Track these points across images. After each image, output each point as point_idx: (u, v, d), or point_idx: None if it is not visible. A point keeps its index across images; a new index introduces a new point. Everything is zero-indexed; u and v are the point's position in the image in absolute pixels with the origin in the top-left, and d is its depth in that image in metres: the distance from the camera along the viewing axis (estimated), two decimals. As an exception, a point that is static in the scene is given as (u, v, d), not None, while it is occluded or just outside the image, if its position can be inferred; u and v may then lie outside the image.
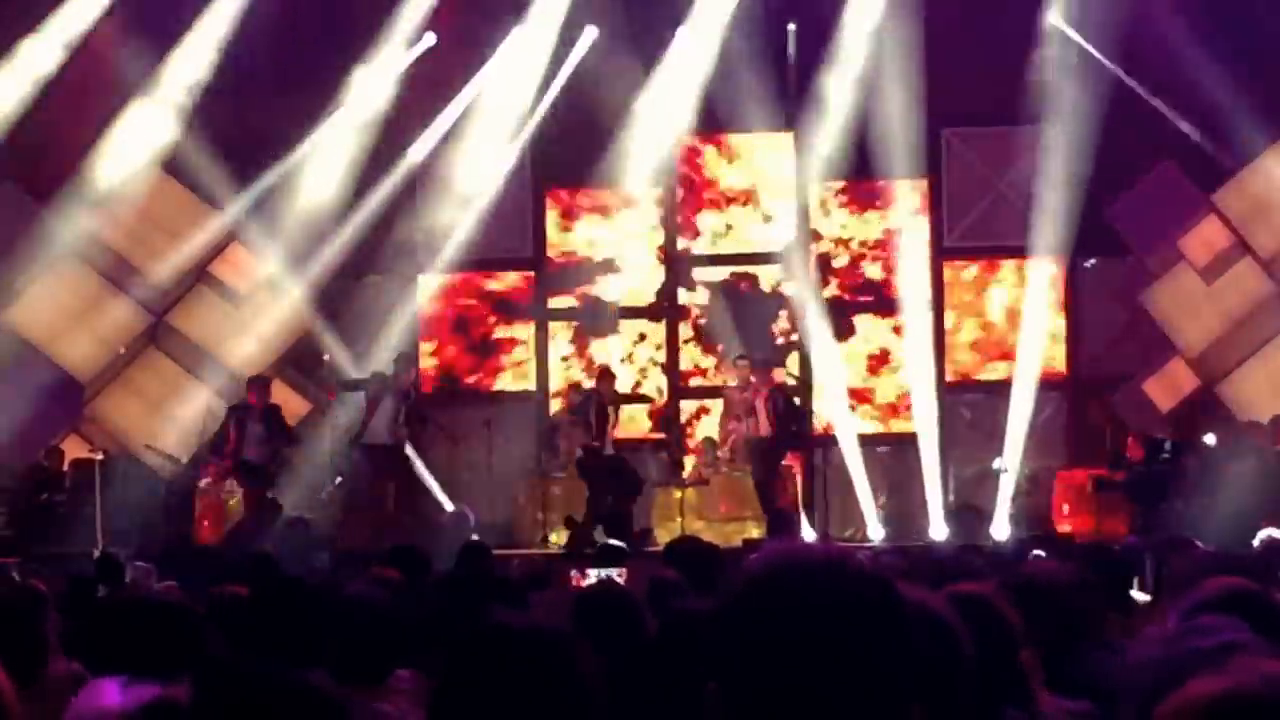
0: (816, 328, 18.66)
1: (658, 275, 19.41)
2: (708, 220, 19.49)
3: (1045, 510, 17.21)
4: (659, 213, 19.37)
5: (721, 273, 19.40)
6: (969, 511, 17.30)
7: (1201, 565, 5.88)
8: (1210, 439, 17.18)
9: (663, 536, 15.58)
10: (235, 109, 17.64)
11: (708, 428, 18.55)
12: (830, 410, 18.60)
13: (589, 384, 17.82)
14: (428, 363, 19.16)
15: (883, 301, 19.07)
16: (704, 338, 19.32)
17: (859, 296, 19.27)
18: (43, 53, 17.58)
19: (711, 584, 6.78)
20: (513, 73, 18.69)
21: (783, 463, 17.41)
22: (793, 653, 1.99)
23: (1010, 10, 18.14)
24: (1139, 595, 8.46)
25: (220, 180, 18.01)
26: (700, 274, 19.45)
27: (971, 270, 19.25)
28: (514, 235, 19.26)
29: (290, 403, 17.81)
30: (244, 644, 4.96)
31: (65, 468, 17.15)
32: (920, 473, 18.02)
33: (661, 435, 18.75)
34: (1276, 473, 15.71)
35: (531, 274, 19.49)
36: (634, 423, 18.68)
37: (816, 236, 19.28)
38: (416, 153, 18.79)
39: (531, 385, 19.27)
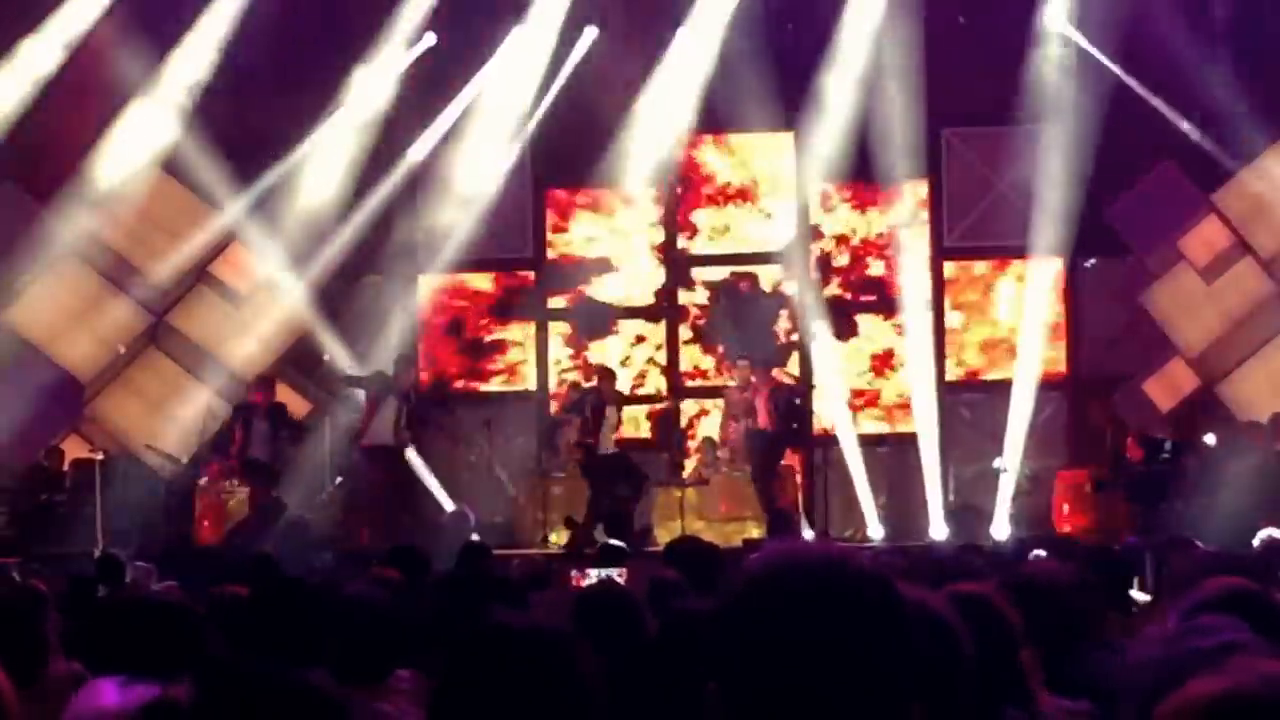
0: (818, 327, 18.68)
1: (657, 275, 19.41)
2: (707, 220, 19.49)
3: (1045, 510, 17.21)
4: (659, 212, 19.37)
5: (722, 272, 19.39)
6: (969, 511, 17.31)
7: (1201, 565, 5.88)
8: (1210, 439, 17.18)
9: (663, 536, 15.58)
10: (235, 109, 17.64)
11: (708, 428, 18.55)
12: (831, 410, 18.59)
13: (588, 384, 17.80)
14: (426, 364, 19.15)
15: (885, 301, 19.06)
16: (703, 338, 19.32)
17: (861, 296, 19.27)
18: (43, 53, 17.58)
19: (711, 584, 6.78)
20: (513, 73, 18.69)
21: (782, 463, 17.42)
22: (793, 652, 2.00)
23: (1010, 10, 18.14)
24: (1139, 595, 8.47)
25: (220, 180, 18.00)
26: (700, 274, 19.45)
27: (980, 269, 19.22)
28: (514, 235, 19.27)
29: (291, 403, 17.82)
30: (244, 644, 4.96)
31: (65, 468, 17.15)
32: (920, 473, 18.02)
33: (652, 437, 18.71)
34: (1276, 473, 15.71)
35: (531, 274, 19.48)
36: (633, 423, 18.67)
37: (818, 235, 19.28)
38: (416, 153, 18.79)
39: (531, 385, 19.26)
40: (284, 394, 17.68)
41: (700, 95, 18.41)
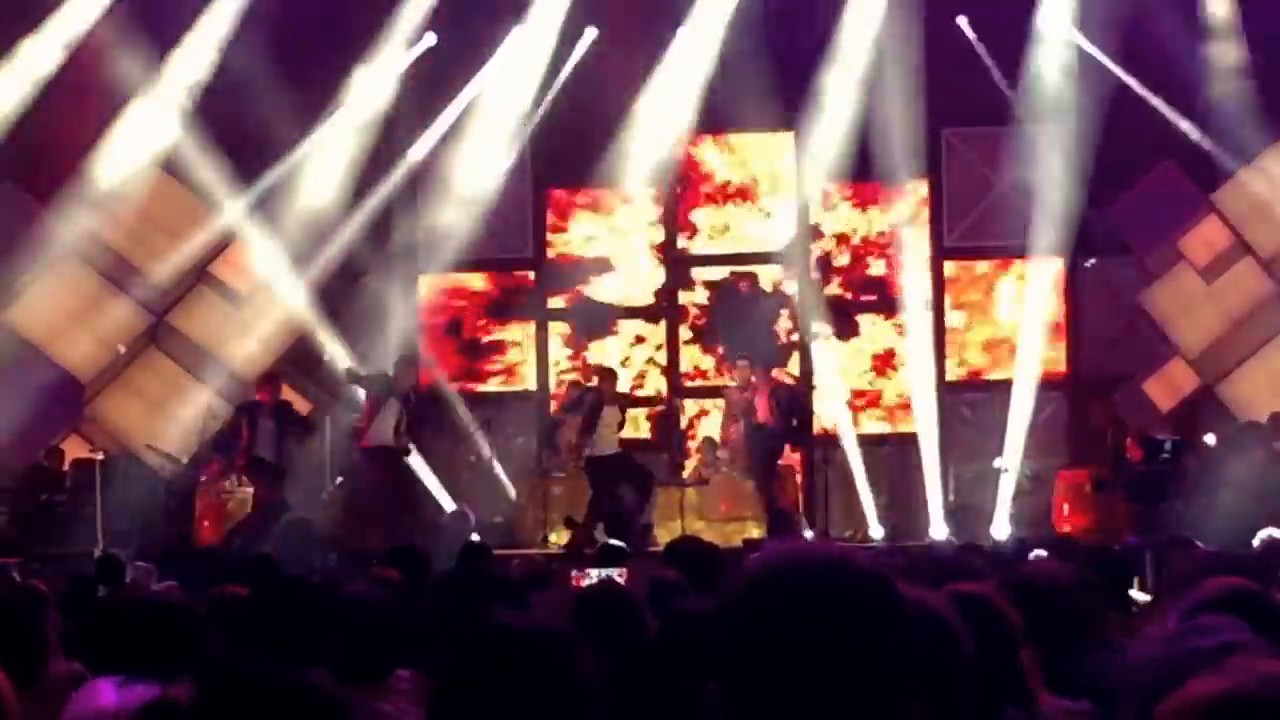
0: (818, 327, 18.68)
1: (657, 275, 19.41)
2: (707, 219, 19.49)
3: (1045, 510, 17.21)
4: (658, 212, 19.37)
5: (721, 272, 19.39)
6: (969, 511, 17.31)
7: (1201, 565, 5.88)
8: (1210, 439, 17.18)
9: (663, 536, 15.57)
10: (235, 109, 17.63)
11: (708, 428, 18.55)
12: (832, 410, 18.60)
13: (589, 384, 17.78)
14: (425, 364, 19.15)
15: (886, 301, 19.07)
16: (703, 338, 19.32)
17: (861, 295, 19.27)
18: (43, 53, 17.58)
19: (712, 584, 6.78)
20: (513, 73, 18.69)
21: (782, 463, 17.42)
22: (793, 652, 2.00)
23: (1010, 10, 18.13)
24: (1139, 595, 8.47)
25: (220, 180, 18.01)
26: (700, 273, 19.45)
27: (981, 268, 19.22)
28: (514, 235, 19.27)
29: (291, 403, 17.80)
30: (244, 644, 4.96)
31: (66, 468, 17.15)
32: (920, 473, 18.02)
33: (652, 437, 18.70)
34: (1276, 472, 15.71)
35: (531, 274, 19.49)
36: (633, 423, 18.65)
37: (818, 234, 19.28)
38: (416, 153, 18.80)
39: (531, 385, 19.26)
40: (284, 394, 17.66)
41: (700, 95, 18.41)
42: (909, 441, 18.46)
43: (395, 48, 18.46)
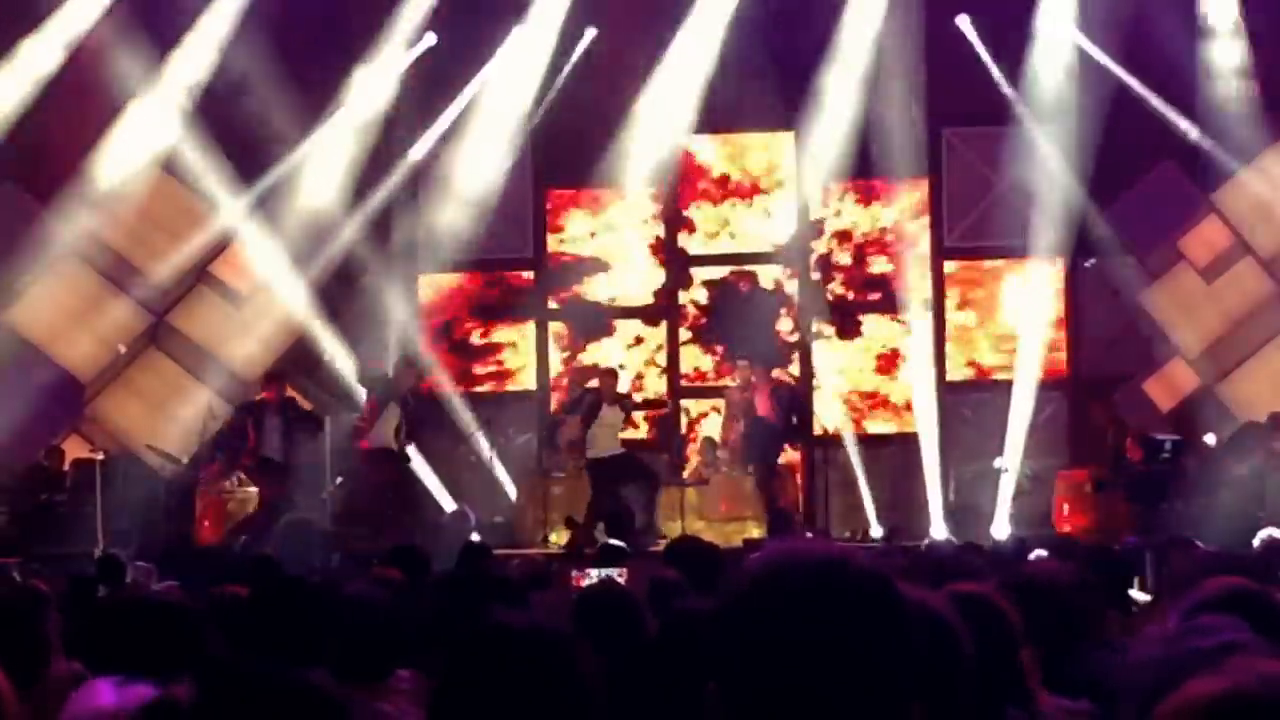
0: (819, 326, 18.68)
1: (656, 275, 19.41)
2: (707, 219, 19.48)
3: (1045, 510, 17.20)
4: (658, 212, 19.36)
5: (722, 272, 19.38)
6: (969, 511, 17.31)
7: (1201, 565, 5.89)
8: (1210, 439, 17.18)
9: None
10: (235, 109, 17.63)
11: (708, 428, 18.56)
12: (832, 410, 18.60)
13: (590, 384, 17.78)
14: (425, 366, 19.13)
15: (888, 300, 19.07)
16: (703, 338, 19.31)
17: (863, 295, 19.26)
18: (43, 53, 17.59)
19: (712, 584, 6.77)
20: (513, 73, 18.69)
21: (782, 463, 17.42)
22: (793, 651, 2.00)
23: (1010, 10, 18.14)
24: (1139, 595, 8.48)
25: (220, 180, 18.01)
26: (700, 273, 19.44)
27: (988, 267, 19.21)
28: (514, 235, 19.27)
29: (296, 399, 17.78)
30: (244, 644, 4.96)
31: (66, 468, 17.14)
32: (920, 473, 18.02)
33: (653, 438, 18.69)
34: (1276, 472, 15.71)
35: (531, 274, 19.48)
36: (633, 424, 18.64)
37: (818, 233, 19.26)
38: (416, 153, 18.80)
39: (531, 385, 19.25)
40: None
41: (700, 95, 18.41)
42: (909, 441, 18.47)
43: (395, 48, 18.46)
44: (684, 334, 19.33)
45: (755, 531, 16.06)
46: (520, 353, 19.42)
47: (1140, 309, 18.44)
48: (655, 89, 18.48)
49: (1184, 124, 17.95)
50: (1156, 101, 17.84)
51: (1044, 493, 17.37)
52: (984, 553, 9.84)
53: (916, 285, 18.86)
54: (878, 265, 19.24)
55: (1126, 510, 16.36)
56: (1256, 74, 17.65)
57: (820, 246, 19.23)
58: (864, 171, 18.48)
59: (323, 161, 18.28)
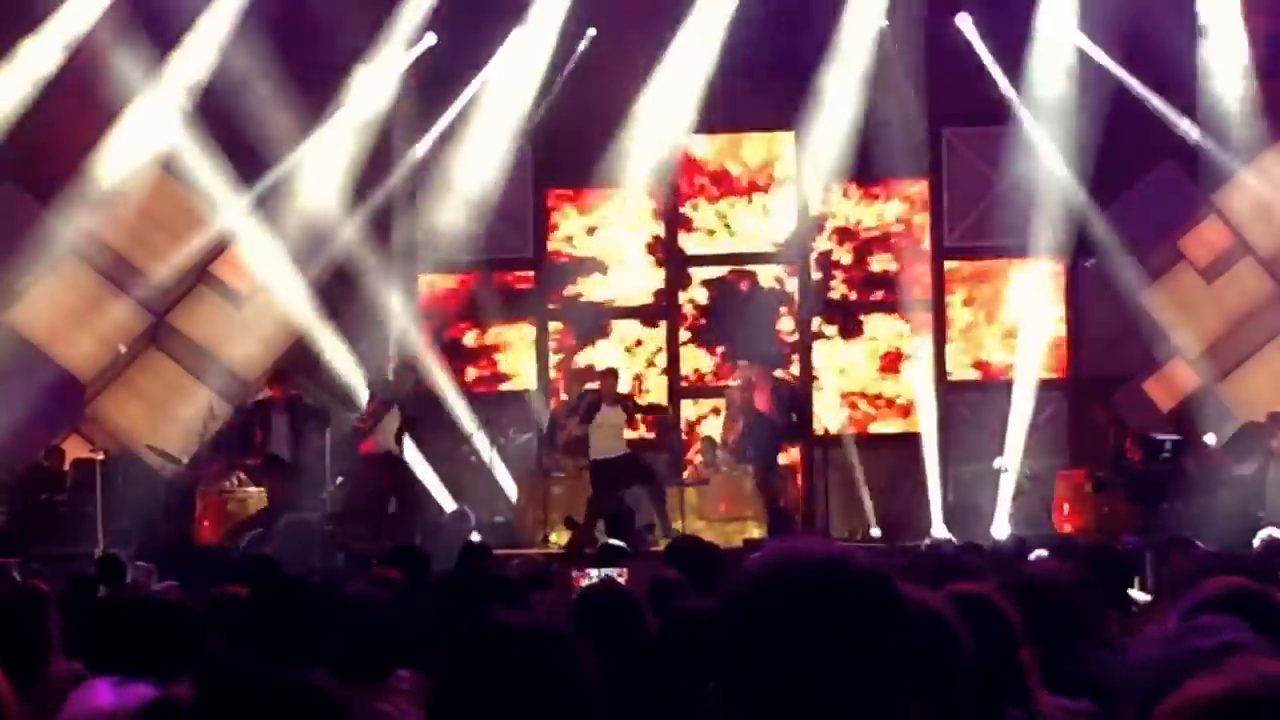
0: (819, 326, 18.68)
1: (656, 275, 19.40)
2: (707, 219, 19.48)
3: (1045, 510, 17.21)
4: (658, 212, 19.36)
5: (721, 271, 19.38)
6: (969, 511, 17.31)
7: (1201, 565, 5.88)
8: (1210, 439, 17.18)
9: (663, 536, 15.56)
10: (235, 109, 17.64)
11: (709, 428, 18.55)
12: (833, 409, 18.60)
13: (591, 385, 17.76)
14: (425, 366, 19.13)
15: (889, 300, 19.07)
16: (703, 338, 19.31)
17: (863, 294, 19.25)
18: (43, 53, 17.59)
19: (712, 584, 6.77)
20: (513, 73, 18.69)
21: (782, 463, 17.41)
22: (793, 651, 2.00)
23: (1010, 10, 18.14)
24: (1139, 595, 8.48)
25: (220, 180, 18.01)
26: (700, 273, 19.44)
27: (990, 267, 19.21)
28: (514, 235, 19.27)
29: (302, 395, 17.76)
30: (244, 644, 4.96)
31: (66, 467, 17.14)
32: (920, 473, 18.02)
33: (653, 438, 18.68)
34: (1276, 472, 15.72)
35: (531, 274, 19.48)
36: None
37: (818, 233, 19.25)
38: (416, 153, 18.80)
39: (532, 385, 19.25)
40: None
41: (700, 95, 18.41)
42: (909, 441, 18.47)
43: (395, 48, 18.46)
44: (683, 334, 19.32)
45: (755, 531, 16.06)
46: (520, 353, 19.40)
47: (1140, 309, 18.44)
48: (655, 89, 18.48)
49: (1184, 124, 17.95)
50: (1156, 101, 17.85)
51: (1044, 493, 17.37)
52: (984, 553, 9.83)
53: (917, 285, 18.86)
54: (879, 263, 19.23)
55: (1126, 510, 16.36)
56: (1256, 74, 17.65)
57: (821, 244, 19.23)
58: (864, 171, 18.47)
59: (323, 161, 18.28)
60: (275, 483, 16.43)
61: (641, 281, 19.39)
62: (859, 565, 2.06)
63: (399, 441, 16.52)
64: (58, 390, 17.87)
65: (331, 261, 18.37)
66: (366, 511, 16.64)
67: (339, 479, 16.87)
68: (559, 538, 16.57)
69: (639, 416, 17.48)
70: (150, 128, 17.84)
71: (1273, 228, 18.05)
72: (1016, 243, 18.33)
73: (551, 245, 19.43)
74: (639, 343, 19.31)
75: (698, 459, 18.09)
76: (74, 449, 17.50)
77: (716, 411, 18.52)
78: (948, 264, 19.16)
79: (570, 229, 19.45)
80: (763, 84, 18.13)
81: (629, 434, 17.17)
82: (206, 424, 17.41)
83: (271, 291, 18.25)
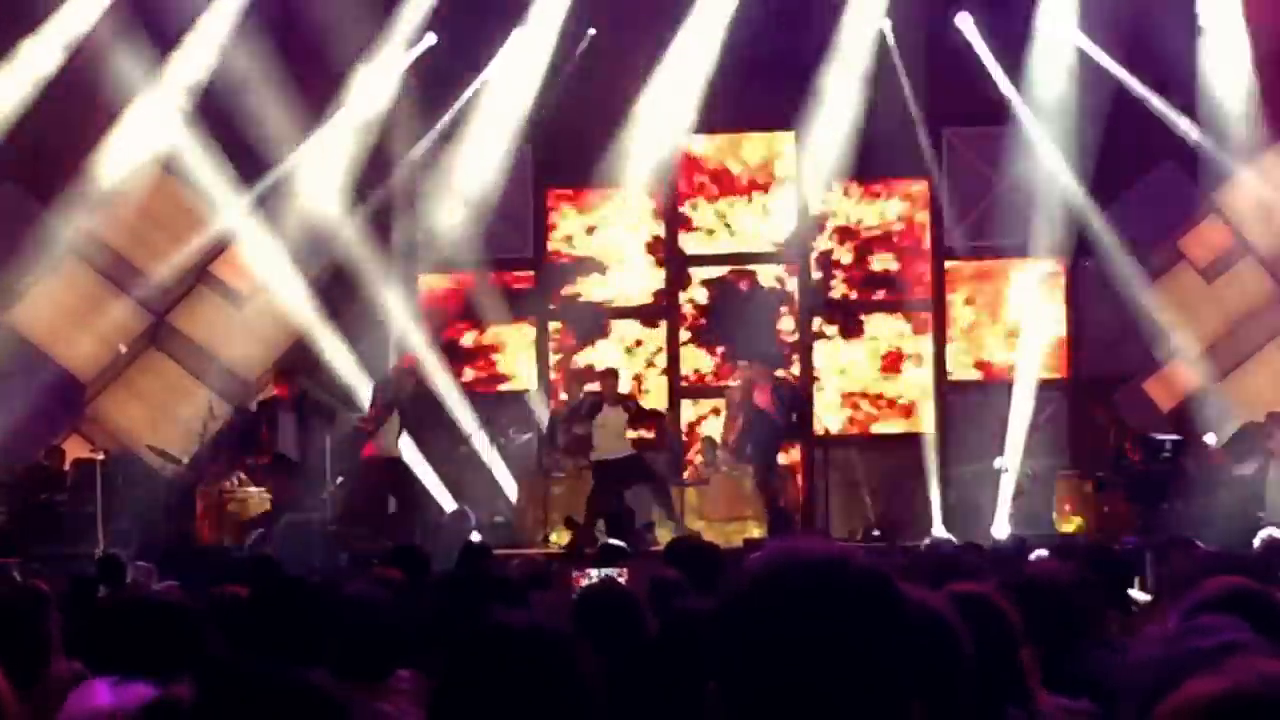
0: (820, 325, 18.68)
1: (656, 275, 19.40)
2: (707, 218, 19.48)
3: (1045, 510, 17.21)
4: (658, 212, 19.36)
5: (721, 271, 19.37)
6: (969, 511, 17.31)
7: (1201, 565, 5.89)
8: (1210, 439, 17.18)
9: (663, 536, 15.56)
10: (235, 109, 17.63)
11: (709, 428, 18.55)
12: (834, 409, 18.60)
13: (591, 386, 17.75)
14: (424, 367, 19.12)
15: (889, 300, 19.07)
16: (704, 338, 19.31)
17: (863, 294, 19.25)
18: (43, 53, 17.58)
19: (712, 584, 6.78)
20: (513, 73, 18.69)
21: (782, 462, 17.41)
22: (794, 650, 2.00)
23: (1010, 10, 18.14)
24: (1139, 595, 8.48)
25: (220, 180, 18.01)
26: (700, 273, 19.43)
27: (991, 267, 19.20)
28: (514, 235, 19.26)
29: (308, 392, 17.74)
30: (244, 644, 4.96)
31: (66, 467, 17.14)
32: (920, 473, 18.02)
33: (653, 438, 18.67)
34: (1276, 472, 15.71)
35: (531, 274, 19.48)
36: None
37: (818, 232, 19.25)
38: (416, 153, 18.80)
39: (532, 385, 19.25)
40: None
41: (700, 94, 18.41)
42: (909, 441, 18.46)
43: (395, 48, 18.46)
44: (684, 334, 19.32)
45: (755, 531, 16.05)
46: (519, 353, 19.40)
47: (1140, 309, 18.44)
48: (655, 89, 18.48)
49: (1184, 124, 17.95)
50: (1156, 101, 17.84)
51: (1044, 493, 17.37)
52: (984, 553, 9.84)
53: (917, 285, 18.87)
54: (880, 263, 19.23)
55: (1126, 510, 16.37)
56: (1256, 74, 17.65)
57: (821, 244, 19.23)
58: (864, 171, 18.47)
59: (323, 161, 18.28)
60: (282, 482, 16.42)
61: (641, 281, 19.39)
62: (859, 565, 2.06)
63: (398, 444, 16.52)
64: (58, 390, 17.87)
65: (331, 261, 18.37)
66: (366, 514, 16.64)
67: (339, 479, 16.87)
68: (559, 538, 16.57)
69: (641, 422, 17.52)
70: (150, 128, 17.84)
71: (1273, 228, 18.04)
72: (1016, 242, 18.33)
73: (551, 245, 19.44)
74: (639, 343, 19.30)
75: (698, 459, 18.10)
76: (74, 449, 17.50)
77: (716, 412, 18.53)
78: (948, 264, 19.16)
79: (570, 229, 19.46)
80: (763, 84, 18.13)
81: (629, 433, 17.19)
82: (206, 424, 17.42)
83: (271, 291, 18.25)
